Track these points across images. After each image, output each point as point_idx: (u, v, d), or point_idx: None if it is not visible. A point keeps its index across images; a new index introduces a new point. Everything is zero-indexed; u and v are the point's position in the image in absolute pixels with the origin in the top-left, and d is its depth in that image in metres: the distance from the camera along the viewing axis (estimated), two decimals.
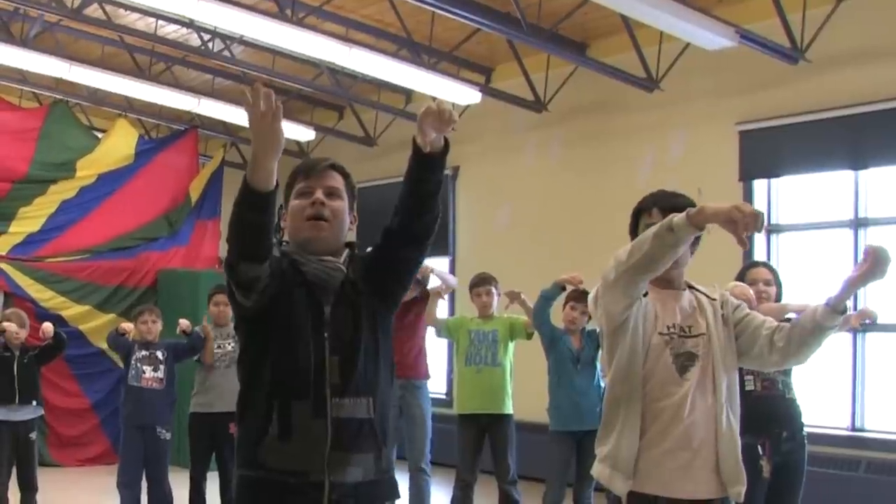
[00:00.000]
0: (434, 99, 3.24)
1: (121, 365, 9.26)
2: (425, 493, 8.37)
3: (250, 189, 3.01)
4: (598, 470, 3.79)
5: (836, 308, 3.65)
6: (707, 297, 3.87)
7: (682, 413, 3.64)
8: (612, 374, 3.77)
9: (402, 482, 8.36)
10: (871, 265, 3.63)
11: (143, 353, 8.57)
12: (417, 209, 3.30)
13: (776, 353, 3.75)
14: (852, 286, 3.69)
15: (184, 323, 8.58)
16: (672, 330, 3.73)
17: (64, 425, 12.52)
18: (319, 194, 3.36)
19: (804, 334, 3.70)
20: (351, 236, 3.53)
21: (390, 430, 3.39)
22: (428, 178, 3.27)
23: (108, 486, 8.72)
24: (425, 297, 8.26)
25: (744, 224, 3.26)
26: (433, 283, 8.52)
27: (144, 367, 8.52)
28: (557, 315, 7.80)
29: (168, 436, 8.62)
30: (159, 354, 8.59)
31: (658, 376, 3.68)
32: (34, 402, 8.47)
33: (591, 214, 11.45)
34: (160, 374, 8.55)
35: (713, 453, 3.67)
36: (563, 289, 7.52)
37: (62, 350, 8.84)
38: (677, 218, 3.41)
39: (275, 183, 3.05)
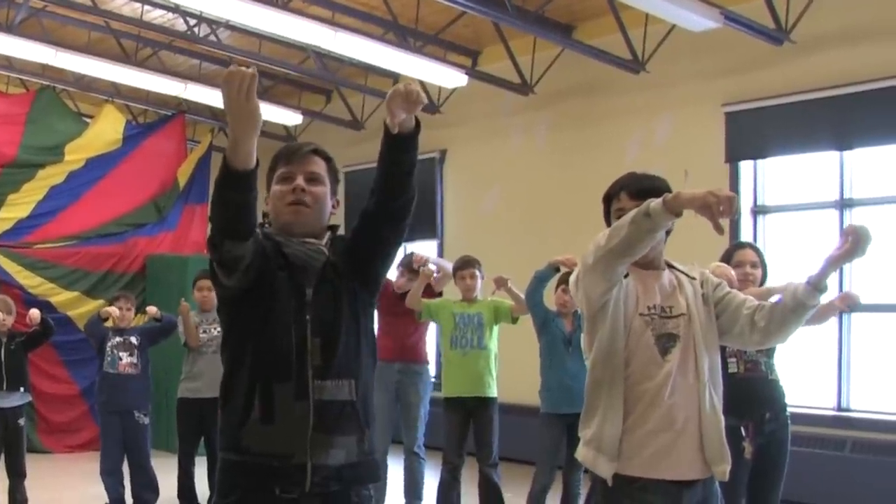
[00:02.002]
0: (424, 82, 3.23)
1: None
2: (419, 476, 8.42)
3: (231, 169, 3.01)
4: (582, 453, 3.80)
5: (816, 286, 3.68)
6: (687, 275, 3.88)
7: (664, 394, 3.65)
8: (594, 356, 3.78)
9: (398, 465, 8.46)
10: (853, 244, 3.66)
11: (118, 339, 8.63)
12: (393, 190, 3.31)
13: (757, 332, 3.77)
14: (833, 265, 3.72)
15: (151, 309, 8.69)
16: (653, 311, 3.74)
17: (53, 412, 12.54)
18: (300, 180, 3.37)
19: (785, 313, 3.72)
20: (335, 219, 3.55)
21: (372, 413, 3.39)
22: (401, 160, 3.28)
23: (97, 473, 8.74)
24: (431, 290, 8.29)
25: (718, 209, 3.27)
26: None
27: (120, 354, 8.58)
28: (549, 298, 7.80)
29: (146, 420, 8.67)
30: (133, 339, 8.67)
31: (639, 358, 3.69)
32: (22, 389, 8.47)
33: (578, 196, 11.43)
34: (135, 359, 8.62)
35: (697, 433, 3.69)
36: (557, 270, 7.51)
37: (49, 336, 8.84)
38: (654, 203, 3.41)
39: (255, 161, 3.04)
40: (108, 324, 8.71)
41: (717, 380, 3.80)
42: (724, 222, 3.33)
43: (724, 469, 3.73)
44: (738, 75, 10.60)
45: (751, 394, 5.98)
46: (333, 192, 3.50)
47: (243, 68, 2.93)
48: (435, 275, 8.39)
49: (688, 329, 3.74)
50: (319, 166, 3.45)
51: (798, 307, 3.70)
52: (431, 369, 12.91)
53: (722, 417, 3.77)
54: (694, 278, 3.88)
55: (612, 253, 3.55)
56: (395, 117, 3.17)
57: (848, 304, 6.23)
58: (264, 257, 3.28)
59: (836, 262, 3.73)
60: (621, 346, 3.70)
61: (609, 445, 3.67)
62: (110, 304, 8.92)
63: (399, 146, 3.26)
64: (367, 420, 3.34)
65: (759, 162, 10.70)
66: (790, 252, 10.13)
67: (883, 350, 9.74)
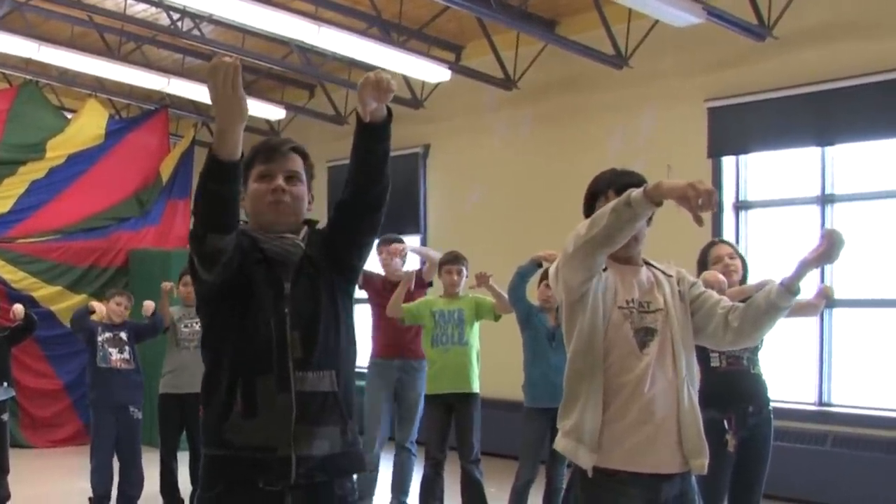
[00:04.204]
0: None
1: None
2: (408, 470, 8.47)
3: (216, 160, 3.03)
4: (562, 444, 3.80)
5: (790, 288, 3.75)
6: (664, 273, 3.92)
7: (643, 387, 3.67)
8: (574, 347, 3.80)
9: (387, 459, 8.49)
10: (827, 248, 3.76)
11: (108, 334, 8.54)
12: (367, 180, 3.34)
13: (731, 332, 3.82)
14: (806, 267, 3.81)
15: (149, 306, 8.63)
16: (631, 304, 3.77)
17: (36, 406, 12.51)
18: (280, 181, 3.39)
19: (758, 314, 3.78)
20: (315, 213, 3.57)
21: (354, 404, 3.42)
22: (374, 149, 3.31)
23: (80, 467, 8.73)
24: (421, 281, 8.31)
25: (697, 202, 3.30)
26: (410, 265, 8.56)
27: (110, 349, 8.49)
28: (532, 293, 7.79)
29: (140, 415, 8.62)
30: (123, 335, 8.59)
31: (618, 350, 3.71)
32: (5, 384, 8.47)
33: (561, 191, 11.40)
34: (126, 354, 8.54)
35: (675, 427, 3.71)
36: (540, 265, 7.51)
37: (33, 331, 8.83)
38: (635, 193, 3.44)
39: (240, 153, 3.07)
40: (95, 317, 8.66)
41: (694, 376, 3.84)
42: (705, 215, 3.37)
43: (702, 463, 3.76)
44: (720, 71, 10.62)
45: (732, 387, 6.02)
46: (309, 188, 3.53)
47: (228, 59, 2.95)
48: (421, 266, 8.49)
49: (665, 324, 3.77)
50: (298, 164, 3.48)
51: (771, 308, 3.76)
52: None
53: (699, 412, 3.80)
54: (671, 276, 3.92)
55: (593, 242, 3.57)
56: (367, 106, 3.21)
57: (825, 298, 6.31)
58: (243, 252, 3.29)
59: (810, 264, 3.82)
60: (601, 337, 3.72)
61: (590, 436, 3.68)
62: (107, 301, 8.82)
63: (371, 135, 3.29)
64: (350, 410, 3.38)
65: (742, 157, 10.71)
66: (772, 247, 10.18)
67: (864, 345, 9.79)
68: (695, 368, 3.87)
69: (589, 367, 3.73)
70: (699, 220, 3.35)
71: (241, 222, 3.45)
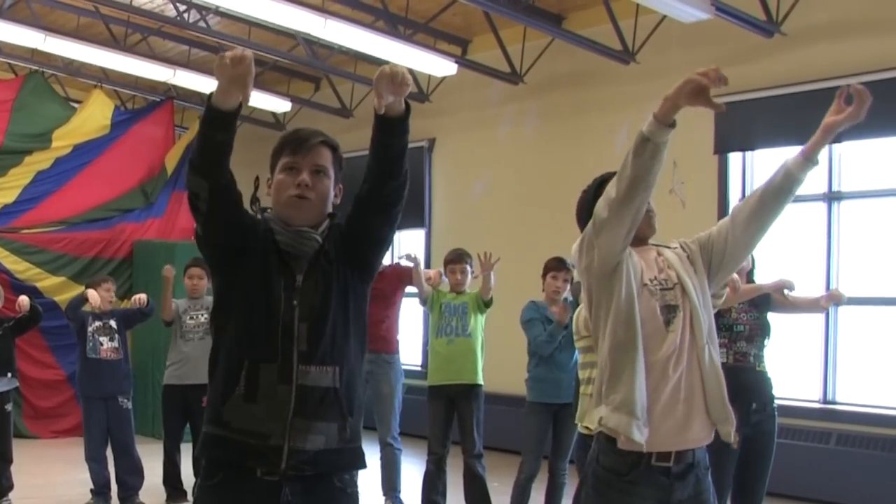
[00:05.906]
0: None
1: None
2: (396, 466, 8.42)
3: (213, 108, 3.09)
4: (614, 420, 3.62)
5: (809, 157, 3.66)
6: (667, 247, 3.90)
7: (669, 367, 3.63)
8: (613, 319, 3.68)
9: (374, 454, 8.43)
10: (856, 107, 3.60)
11: (98, 323, 8.55)
12: (384, 175, 3.31)
13: (747, 223, 3.76)
14: (831, 130, 3.66)
15: (141, 298, 8.61)
16: (654, 282, 3.74)
17: (39, 397, 12.53)
18: (306, 175, 3.36)
19: (775, 192, 3.70)
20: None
21: (357, 401, 3.40)
22: (391, 143, 3.27)
23: (82, 458, 8.72)
24: (401, 273, 8.27)
25: (710, 85, 3.32)
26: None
27: (101, 339, 8.50)
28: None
29: (129, 405, 8.63)
30: (112, 323, 8.61)
31: (648, 326, 3.66)
32: (9, 374, 8.45)
33: (566, 186, 11.26)
34: (115, 343, 8.57)
35: (701, 394, 3.67)
36: (549, 320, 7.47)
37: (38, 322, 8.80)
38: (646, 125, 3.43)
39: (238, 103, 3.11)
40: (87, 308, 8.65)
41: (714, 337, 3.78)
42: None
43: (728, 430, 3.69)
44: (728, 67, 10.31)
45: (737, 383, 5.95)
46: (338, 181, 3.49)
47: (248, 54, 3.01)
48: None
49: (683, 297, 3.73)
50: (325, 158, 3.43)
51: (788, 181, 3.67)
52: (417, 357, 13.02)
53: (722, 374, 3.72)
54: (675, 247, 3.90)
55: (626, 193, 3.51)
56: (384, 100, 3.17)
57: (834, 303, 6.31)
58: (255, 237, 3.32)
59: (834, 127, 3.66)
60: (637, 309, 3.66)
61: (641, 410, 3.58)
62: (94, 285, 8.81)
63: (388, 129, 3.25)
64: (351, 408, 3.34)
65: (748, 154, 10.69)
66: (778, 244, 10.15)
67: (869, 343, 9.78)
68: (714, 329, 3.79)
69: (631, 337, 3.64)
70: (720, 107, 3.40)
71: (266, 209, 3.45)
